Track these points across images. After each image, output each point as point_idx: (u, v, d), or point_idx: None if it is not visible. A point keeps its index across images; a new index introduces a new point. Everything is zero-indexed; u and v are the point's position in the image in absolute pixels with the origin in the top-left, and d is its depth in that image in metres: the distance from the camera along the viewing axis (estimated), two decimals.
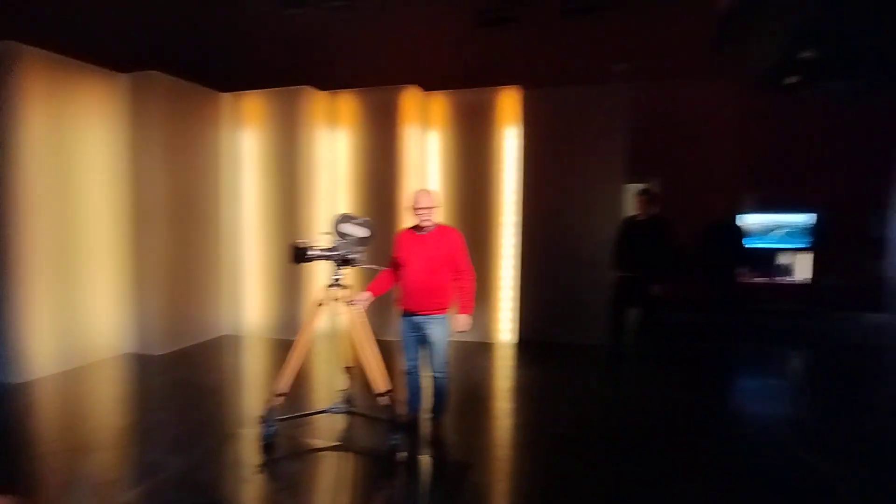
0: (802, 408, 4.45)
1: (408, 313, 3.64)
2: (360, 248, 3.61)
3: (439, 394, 3.72)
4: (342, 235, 3.61)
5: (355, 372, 4.08)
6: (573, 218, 6.22)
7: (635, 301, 5.64)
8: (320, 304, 3.59)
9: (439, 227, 3.63)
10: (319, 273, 6.24)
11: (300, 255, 3.53)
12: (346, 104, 6.61)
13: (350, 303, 3.58)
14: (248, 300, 6.75)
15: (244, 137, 6.63)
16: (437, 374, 3.67)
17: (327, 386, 4.80)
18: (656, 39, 7.82)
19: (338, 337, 3.95)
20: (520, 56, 7.03)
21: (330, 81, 6.82)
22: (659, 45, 7.79)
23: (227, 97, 6.65)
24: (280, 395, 3.55)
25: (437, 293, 3.56)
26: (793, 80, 3.60)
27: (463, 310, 3.58)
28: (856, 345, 6.37)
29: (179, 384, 4.87)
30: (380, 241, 4.80)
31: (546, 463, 3.40)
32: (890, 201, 6.36)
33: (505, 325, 6.41)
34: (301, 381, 4.61)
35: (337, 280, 3.60)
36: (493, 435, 3.88)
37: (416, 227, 3.62)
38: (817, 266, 7.61)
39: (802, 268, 7.71)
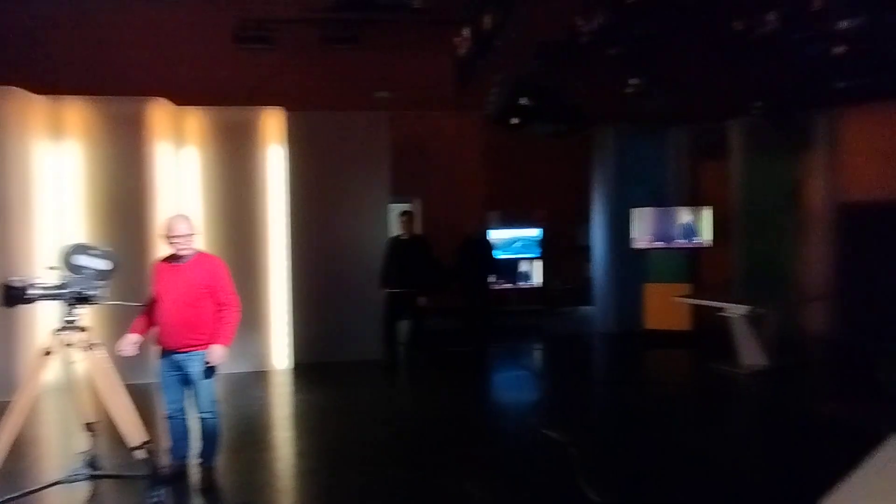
0: (542, 391, 5.35)
1: (166, 351, 3.29)
2: (100, 283, 3.14)
3: (208, 436, 3.41)
4: (76, 269, 3.10)
5: (100, 427, 3.51)
6: (341, 238, 6.37)
7: (404, 314, 6.08)
8: (48, 353, 3.02)
9: (198, 256, 3.36)
10: (44, 316, 5.16)
11: (15, 295, 2.93)
12: (75, 113, 5.63)
13: (120, 353, 3.11)
14: None
15: None
16: (205, 415, 3.37)
17: (60, 451, 4.02)
18: (412, 71, 8.57)
19: (75, 389, 3.36)
20: (282, 77, 6.97)
21: (50, 84, 5.74)
22: (414, 76, 8.56)
23: None
24: None
25: (197, 328, 3.25)
26: (515, 120, 4.41)
27: (219, 340, 3.28)
28: (576, 333, 7.88)
29: None
30: (130, 273, 4.24)
31: (330, 485, 3.42)
32: (589, 216, 8.08)
33: (279, 351, 6.21)
34: (22, 452, 3.76)
35: (70, 322, 3.07)
36: (274, 468, 3.76)
37: (173, 257, 3.31)
38: (545, 271, 9.21)
39: (536, 273, 9.23)
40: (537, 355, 6.84)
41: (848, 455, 2.69)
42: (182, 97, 6.11)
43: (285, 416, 4.86)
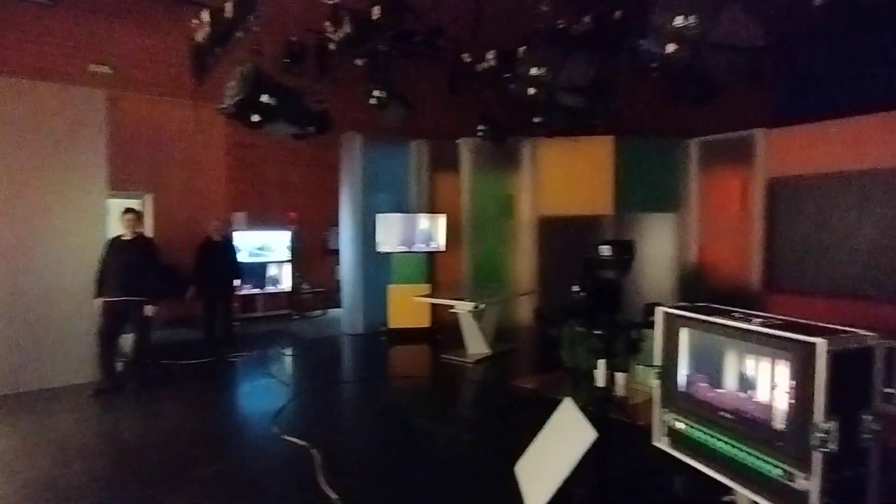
0: (286, 397, 5.23)
1: None
2: None
3: None
4: None
5: None
6: (43, 239, 5.24)
7: (126, 327, 5.29)
8: None
9: None
10: None
11: None
12: None
13: None
14: None
15: None
16: None
17: None
18: (138, 49, 7.53)
19: None
20: None
21: None
22: (141, 55, 7.54)
23: None
24: None
25: None
26: (256, 118, 4.26)
27: None
28: (325, 336, 7.93)
29: None
30: None
31: None
32: (338, 220, 8.26)
33: None
34: None
35: None
36: None
37: None
38: (295, 275, 9.07)
39: (285, 277, 9.02)
40: (284, 361, 6.68)
41: (542, 421, 3.33)
42: None
43: None
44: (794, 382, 1.93)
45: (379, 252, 7.64)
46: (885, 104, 6.11)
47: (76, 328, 5.27)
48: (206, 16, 5.42)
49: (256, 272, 8.56)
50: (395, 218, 7.71)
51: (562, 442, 3.04)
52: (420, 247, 7.76)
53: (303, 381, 5.83)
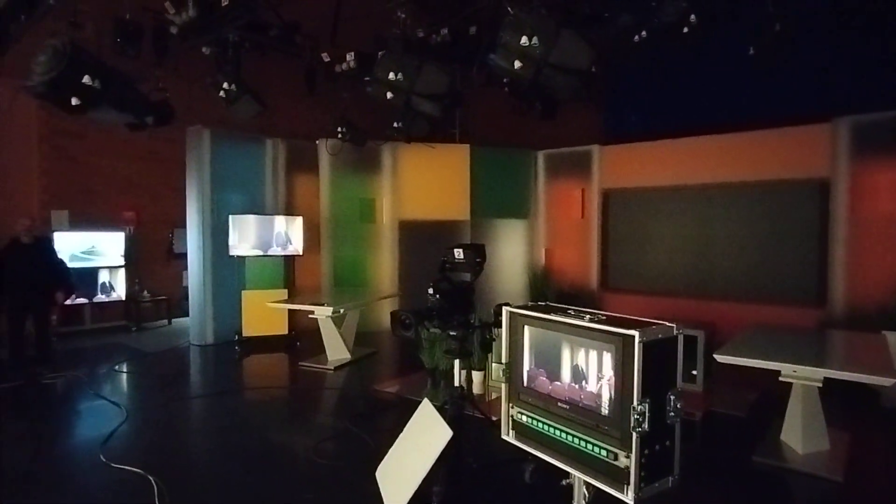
0: (118, 420, 4.63)
1: None
2: None
3: None
4: None
5: None
6: None
7: None
8: None
9: None
10: None
11: None
12: None
13: None
14: None
15: None
16: None
17: None
18: None
19: None
20: None
21: None
22: None
23: None
24: None
25: None
26: (76, 101, 3.73)
27: None
28: (170, 349, 7.19)
29: None
30: None
31: None
32: (184, 221, 7.57)
33: None
34: None
35: None
36: None
37: None
38: (131, 281, 8.12)
39: (120, 284, 8.02)
40: (118, 379, 5.94)
41: (405, 423, 3.34)
42: None
43: None
44: (616, 371, 2.17)
45: (232, 256, 7.14)
46: (700, 127, 7.21)
47: None
48: None
49: (84, 279, 7.49)
50: (250, 219, 7.27)
51: (420, 442, 3.09)
52: (276, 250, 7.39)
53: (140, 400, 5.22)
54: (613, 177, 8.05)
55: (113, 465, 3.66)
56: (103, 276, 7.84)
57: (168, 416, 4.81)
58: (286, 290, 7.33)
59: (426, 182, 8.29)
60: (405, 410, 3.49)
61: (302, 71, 6.95)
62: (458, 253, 3.30)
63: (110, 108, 4.08)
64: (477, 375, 4.83)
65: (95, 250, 7.79)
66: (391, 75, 5.19)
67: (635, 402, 2.07)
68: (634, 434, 2.08)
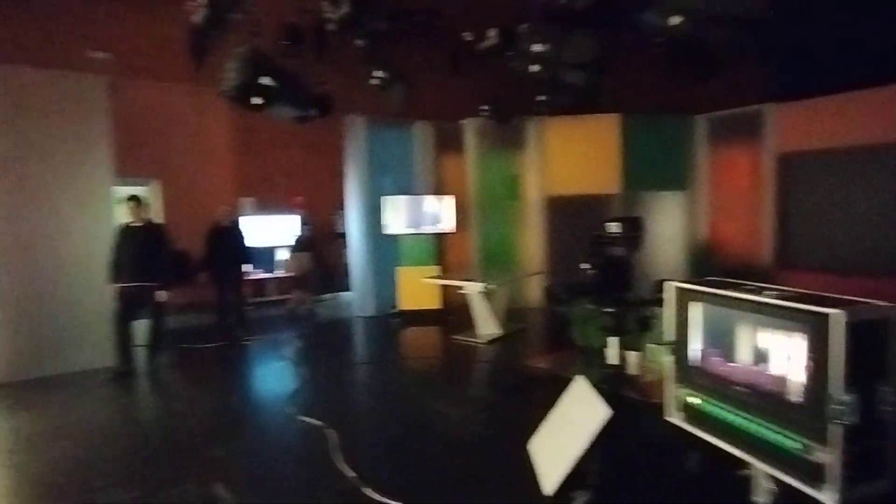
0: (300, 379, 5.28)
1: None
2: None
3: None
4: None
5: None
6: (52, 227, 5.29)
7: (141, 312, 5.35)
8: None
9: None
10: None
11: None
12: None
13: None
14: None
15: None
16: None
17: None
18: (137, 34, 7.47)
19: None
20: None
21: None
22: (141, 40, 7.48)
23: None
24: None
25: None
26: (258, 101, 4.23)
27: None
28: (335, 319, 7.98)
29: None
30: None
31: None
32: (344, 204, 8.25)
33: None
34: None
35: None
36: None
37: None
38: (301, 258, 9.07)
39: (293, 262, 9.01)
40: (296, 344, 6.73)
41: (554, 400, 3.35)
42: None
43: None
44: (810, 355, 1.92)
45: (386, 234, 7.63)
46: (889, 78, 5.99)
47: (91, 314, 5.33)
48: None
49: (265, 256, 8.58)
50: (402, 200, 7.69)
51: (575, 420, 3.06)
52: (427, 228, 7.74)
53: (316, 364, 5.87)
54: (791, 139, 7.03)
55: (298, 417, 4.16)
56: (281, 254, 8.88)
57: (340, 379, 5.34)
58: (438, 267, 7.66)
59: (572, 156, 8.02)
60: (555, 386, 3.46)
61: (445, 53, 7.10)
62: (614, 226, 3.16)
63: (284, 104, 4.57)
64: (633, 355, 4.61)
65: (274, 231, 8.83)
66: (536, 47, 5.07)
67: (836, 391, 1.81)
68: (835, 426, 1.82)
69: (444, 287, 7.34)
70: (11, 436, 4.02)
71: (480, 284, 6.13)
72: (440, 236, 8.03)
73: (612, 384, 3.08)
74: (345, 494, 3.03)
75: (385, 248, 7.80)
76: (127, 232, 5.30)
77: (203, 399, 4.84)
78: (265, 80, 4.19)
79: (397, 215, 7.60)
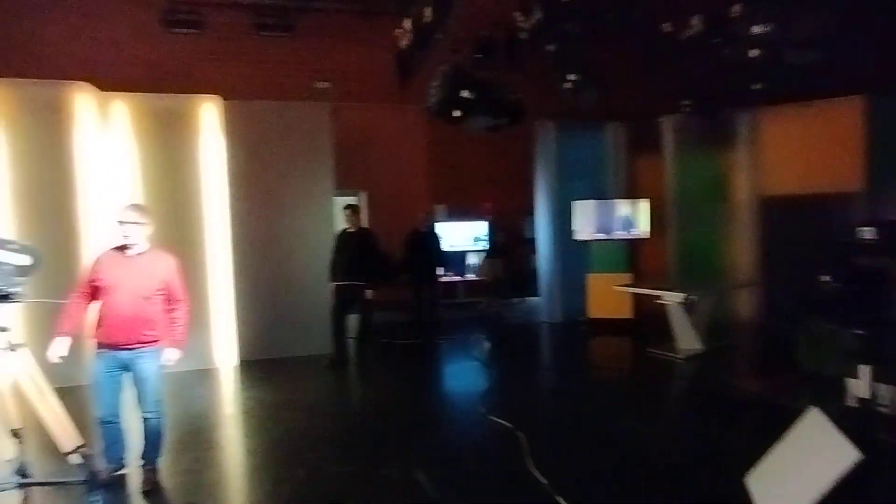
0: (489, 380, 5.45)
1: (110, 348, 3.10)
2: (20, 280, 2.95)
3: (152, 436, 3.26)
4: None
5: (28, 433, 3.30)
6: (286, 232, 6.23)
7: (352, 308, 6.04)
8: None
9: (151, 251, 3.20)
10: None
11: None
12: None
13: (51, 360, 2.92)
14: None
15: None
16: (149, 415, 3.22)
17: None
18: (353, 63, 8.48)
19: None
20: (216, 65, 6.73)
21: None
22: (356, 69, 8.46)
23: None
24: None
25: (148, 324, 3.12)
26: (457, 113, 4.46)
27: (174, 343, 3.25)
28: (523, 323, 8.06)
29: None
30: (53, 268, 3.99)
31: (278, 482, 3.36)
32: (534, 210, 8.28)
33: (224, 349, 6.01)
34: None
35: None
36: (222, 467, 3.66)
37: (122, 248, 3.12)
38: (492, 263, 9.34)
39: (485, 266, 9.34)
40: (485, 346, 6.96)
41: (771, 430, 2.93)
42: (108, 82, 5.77)
43: (231, 414, 4.72)
44: None
45: (576, 240, 7.47)
46: None
47: (313, 307, 6.15)
48: (408, 24, 5.85)
49: (457, 260, 9.05)
50: (593, 204, 7.45)
51: (811, 459, 2.62)
52: (620, 234, 7.38)
53: (505, 366, 5.99)
54: None
55: (489, 417, 4.27)
56: (471, 259, 9.28)
57: (528, 382, 5.37)
58: (630, 274, 7.25)
59: (797, 149, 6.89)
60: (772, 415, 3.02)
61: (638, 50, 6.69)
62: (868, 232, 2.63)
63: (480, 114, 4.77)
64: (889, 390, 3.80)
65: (465, 237, 9.26)
66: (756, 29, 4.49)
67: None
68: None
69: (637, 296, 6.91)
70: (256, 404, 4.84)
71: (681, 294, 5.63)
72: (633, 242, 7.59)
73: (858, 422, 2.55)
74: (537, 500, 3.02)
75: (574, 254, 7.63)
76: (344, 236, 6.06)
77: (403, 390, 5.27)
78: (465, 93, 4.42)
79: (587, 220, 7.39)
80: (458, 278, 9.16)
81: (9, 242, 2.99)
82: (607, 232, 7.37)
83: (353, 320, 6.23)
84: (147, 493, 3.19)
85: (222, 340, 6.00)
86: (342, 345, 5.98)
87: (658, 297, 5.89)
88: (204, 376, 5.60)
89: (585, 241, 7.45)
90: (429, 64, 5.49)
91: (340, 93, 8.31)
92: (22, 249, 2.99)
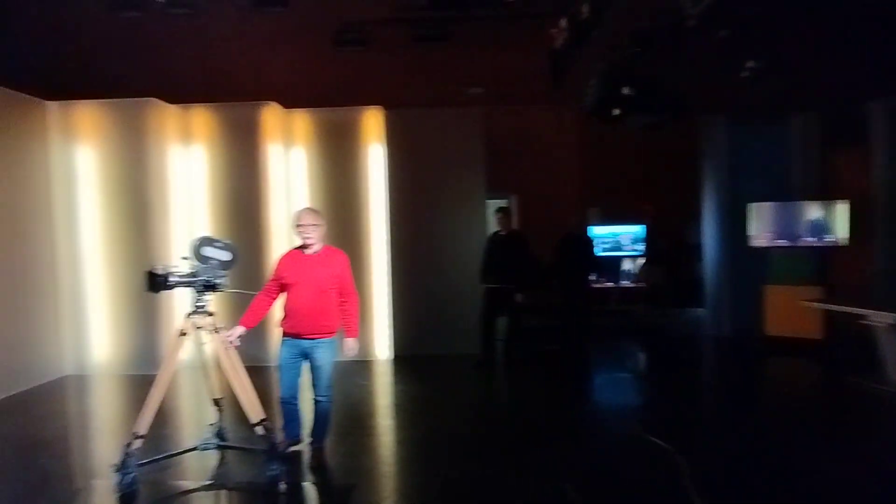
0: (644, 395, 5.08)
1: (293, 337, 3.49)
2: (223, 273, 3.44)
3: (321, 418, 3.60)
4: (203, 260, 3.41)
5: (226, 403, 3.85)
6: (440, 234, 6.46)
7: (502, 311, 6.05)
8: (183, 334, 3.35)
9: (326, 249, 3.56)
10: (177, 300, 5.75)
11: (159, 282, 3.27)
12: (201, 119, 6.22)
13: (227, 342, 3.38)
14: (94, 334, 5.99)
15: (79, 152, 5.92)
16: (321, 398, 3.56)
17: (195, 421, 4.44)
18: (505, 68, 8.54)
19: (204, 367, 3.70)
20: (379, 77, 7.21)
21: (180, 94, 6.37)
22: (508, 72, 8.50)
23: (53, 106, 5.90)
24: (139, 436, 3.23)
25: (326, 315, 3.47)
26: (616, 112, 4.21)
27: (350, 333, 3.55)
28: (685, 336, 7.40)
29: (14, 436, 4.19)
30: (246, 263, 4.60)
31: (428, 476, 3.47)
32: (699, 212, 7.54)
33: (379, 342, 6.44)
34: (165, 420, 4.21)
35: (200, 307, 3.39)
36: (376, 453, 3.89)
37: (302, 248, 3.51)
38: (650, 270, 8.73)
39: (643, 273, 8.77)
40: (641, 357, 6.51)
41: None
42: (289, 100, 6.51)
43: (386, 405, 5.02)
44: None
45: (752, 247, 6.65)
46: None
47: (463, 307, 6.27)
48: (564, 23, 5.70)
49: (611, 266, 8.61)
50: (773, 207, 6.57)
51: None
52: (808, 240, 6.40)
53: (662, 381, 5.54)
54: None
55: (646, 436, 3.95)
56: (626, 264, 8.77)
57: (690, 402, 4.89)
58: (821, 287, 6.25)
59: None
60: None
61: (838, 27, 5.69)
62: None
63: (640, 111, 4.46)
64: None
65: (619, 242, 8.78)
66: None
67: None
68: None
69: (830, 314, 5.92)
70: (407, 398, 5.07)
71: (894, 314, 4.68)
72: (826, 250, 6.52)
73: None
74: None
75: (749, 263, 6.80)
76: (495, 239, 6.10)
77: (550, 397, 5.13)
78: (625, 90, 4.17)
79: (767, 225, 6.53)
80: (611, 285, 8.72)
81: (215, 241, 3.50)
82: (791, 238, 6.44)
83: (501, 323, 6.26)
84: (314, 469, 3.52)
85: (378, 334, 6.42)
86: (490, 347, 6.03)
87: (862, 317, 4.97)
88: (361, 367, 6.03)
89: (764, 248, 6.59)
90: (584, 63, 5.29)
91: (493, 97, 8.42)
92: (225, 247, 3.49)
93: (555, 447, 3.89)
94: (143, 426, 3.22)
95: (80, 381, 5.76)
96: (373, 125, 6.39)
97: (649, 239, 8.46)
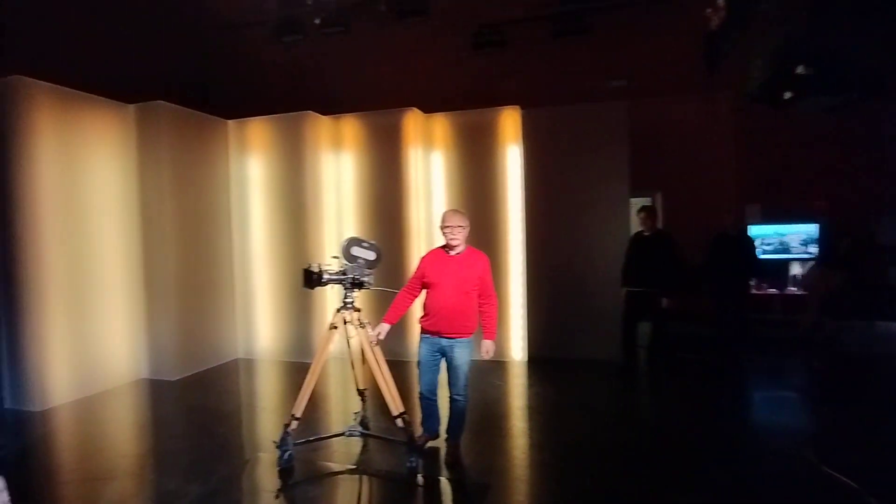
0: (817, 419, 4.42)
1: (432, 335, 3.56)
2: (369, 272, 3.66)
3: (458, 416, 3.66)
4: (352, 259, 3.65)
5: (369, 394, 4.10)
6: (579, 234, 6.25)
7: (645, 315, 5.67)
8: (333, 328, 3.62)
9: (469, 250, 3.61)
10: (328, 296, 6.27)
11: (314, 279, 3.58)
12: (350, 128, 6.71)
13: (372, 338, 3.58)
14: (260, 324, 6.80)
15: (251, 163, 6.74)
16: (458, 397, 3.61)
17: (342, 409, 4.80)
18: (648, 57, 7.99)
19: (351, 359, 3.97)
20: (516, 76, 7.17)
21: (332, 106, 6.94)
22: (651, 62, 7.95)
23: (232, 124, 6.78)
24: (295, 418, 3.56)
25: (466, 316, 3.50)
26: (788, 95, 3.69)
27: (489, 335, 3.55)
28: (868, 352, 6.33)
29: (195, 410, 4.89)
30: (389, 263, 4.84)
31: (561, 483, 3.38)
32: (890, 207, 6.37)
33: (515, 343, 6.40)
34: (316, 405, 4.63)
35: (348, 303, 3.63)
36: (510, 455, 3.87)
37: (446, 248, 3.58)
38: (826, 274, 7.58)
39: (817, 278, 7.67)
40: (808, 375, 5.69)
41: None
42: (429, 105, 6.75)
43: (521, 406, 4.97)
44: None
45: None
46: None
47: (602, 311, 6.02)
48: (721, 1, 5.18)
49: (774, 270, 7.64)
50: None
51: None
52: None
53: (840, 405, 4.77)
54: None
55: (822, 468, 3.45)
56: (794, 269, 7.72)
57: (883, 432, 4.15)
58: None
59: None
60: None
61: None
62: None
63: (819, 93, 3.86)
64: None
65: (786, 243, 7.76)
66: None
67: None
68: None
69: None
70: (542, 401, 4.96)
71: None
72: None
73: None
74: None
75: None
76: (638, 240, 5.73)
77: (698, 411, 4.69)
78: (799, 70, 3.64)
79: None
80: (774, 291, 7.77)
81: (363, 241, 3.73)
82: None
83: (644, 328, 5.87)
84: (449, 465, 3.59)
85: (514, 335, 6.39)
86: (632, 353, 5.70)
87: None
88: (497, 368, 6.04)
89: None
90: (746, 43, 4.74)
91: (636, 89, 7.94)
92: (371, 247, 3.71)
93: (704, 465, 3.55)
94: (299, 409, 3.55)
95: (249, 364, 6.54)
96: (510, 125, 6.38)
97: (826, 239, 7.36)
